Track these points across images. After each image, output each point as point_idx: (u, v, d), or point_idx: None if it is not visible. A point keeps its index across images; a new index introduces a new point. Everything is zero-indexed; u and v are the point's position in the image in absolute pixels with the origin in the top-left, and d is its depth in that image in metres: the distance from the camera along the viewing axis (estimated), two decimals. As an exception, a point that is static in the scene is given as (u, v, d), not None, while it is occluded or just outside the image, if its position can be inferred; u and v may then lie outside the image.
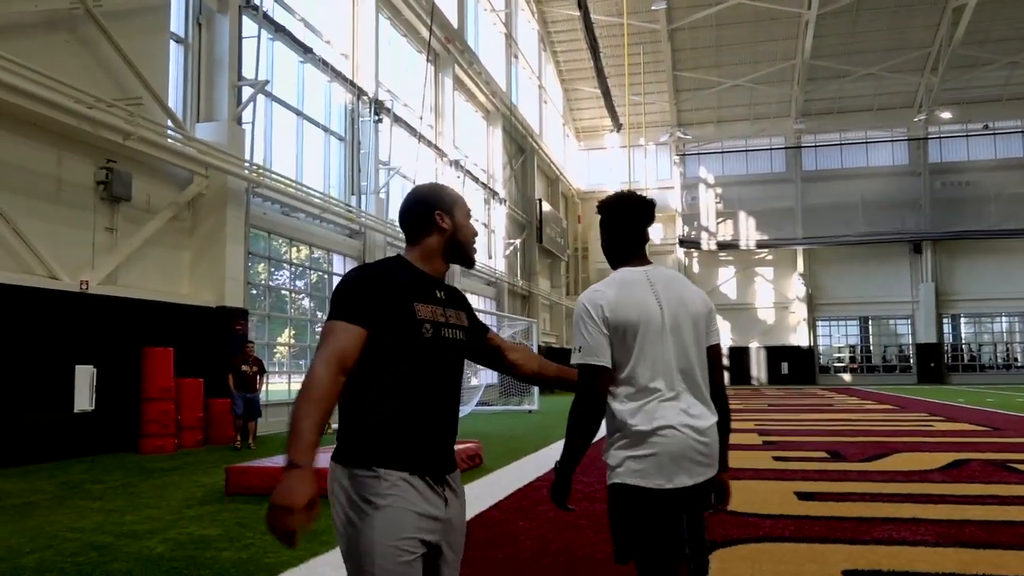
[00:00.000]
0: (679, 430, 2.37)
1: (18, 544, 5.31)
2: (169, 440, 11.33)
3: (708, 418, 2.46)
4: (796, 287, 40.59)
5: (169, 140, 12.48)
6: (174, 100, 13.28)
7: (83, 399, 10.59)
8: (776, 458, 9.61)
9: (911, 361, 39.98)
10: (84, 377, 10.62)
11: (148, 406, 11.22)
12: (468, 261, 2.33)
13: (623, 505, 2.40)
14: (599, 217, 2.69)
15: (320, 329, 1.95)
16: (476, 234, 2.36)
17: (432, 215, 2.23)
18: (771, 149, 41.86)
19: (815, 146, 41.36)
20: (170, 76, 13.15)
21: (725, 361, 40.77)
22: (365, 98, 19.58)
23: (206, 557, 4.87)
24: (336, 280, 18.68)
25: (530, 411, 20.23)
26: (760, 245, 41.07)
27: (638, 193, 2.69)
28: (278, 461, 7.74)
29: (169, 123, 12.55)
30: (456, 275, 25.35)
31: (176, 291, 12.89)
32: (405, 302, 2.11)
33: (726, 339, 41.25)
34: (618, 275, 2.56)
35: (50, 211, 10.65)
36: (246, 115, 14.46)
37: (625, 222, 2.61)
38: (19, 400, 9.65)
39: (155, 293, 12.21)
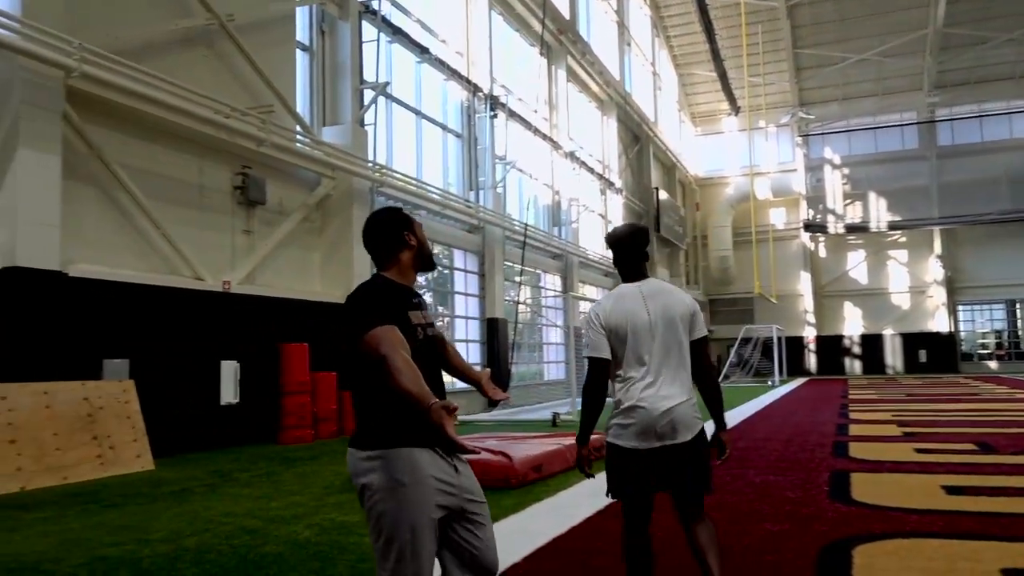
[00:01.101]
0: (652, 408, 3.14)
1: (179, 527, 5.71)
2: (307, 431, 11.87)
3: (678, 398, 3.18)
4: (933, 270, 38.33)
5: (298, 145, 13.05)
6: (302, 106, 13.87)
7: (228, 392, 11.25)
8: (918, 450, 9.15)
9: (1066, 347, 37.10)
10: (229, 372, 11.29)
11: (287, 399, 11.80)
12: (433, 266, 2.83)
13: (611, 456, 3.25)
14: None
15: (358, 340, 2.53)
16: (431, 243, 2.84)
17: (402, 235, 2.68)
18: (902, 125, 39.62)
19: (951, 119, 38.86)
20: (297, 83, 13.75)
21: (856, 349, 39.30)
22: (480, 94, 19.83)
23: (349, 542, 5.09)
24: (457, 275, 18.97)
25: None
26: (892, 227, 38.99)
27: (637, 226, 3.58)
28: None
29: (298, 128, 13.12)
30: (575, 267, 25.37)
31: (308, 289, 13.48)
32: (403, 312, 2.57)
33: (858, 326, 39.58)
34: (617, 290, 3.41)
35: (194, 217, 11.36)
36: (368, 117, 14.94)
37: (622, 251, 3.43)
38: (173, 394, 10.35)
39: (289, 291, 12.81)
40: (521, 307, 20.47)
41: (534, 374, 23.43)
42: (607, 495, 3.31)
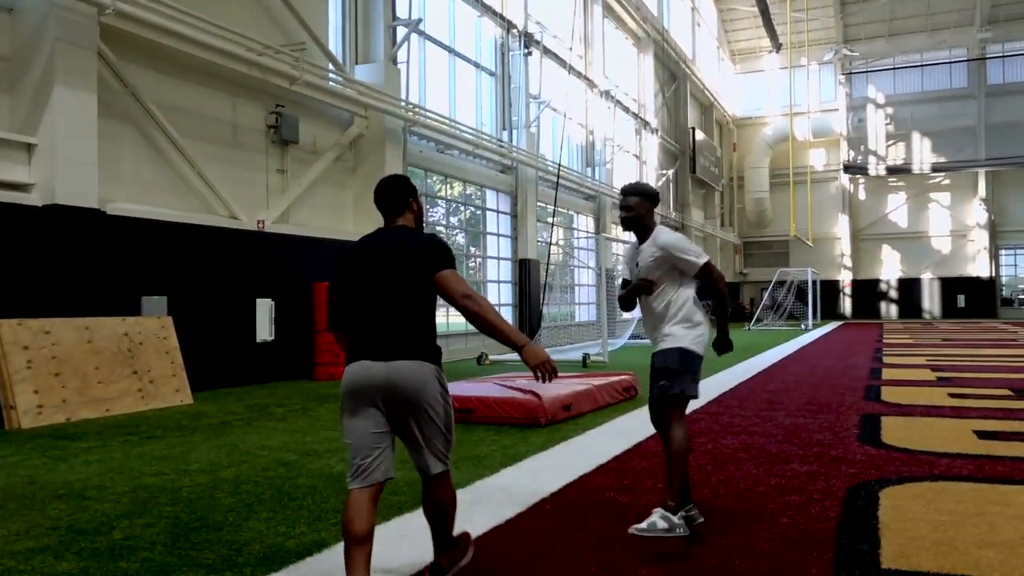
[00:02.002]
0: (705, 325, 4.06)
1: (217, 459, 5.89)
2: (340, 369, 11.97)
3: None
4: (976, 213, 37.44)
5: (331, 83, 12.97)
6: (334, 44, 13.74)
7: (264, 330, 11.45)
8: (952, 395, 9.08)
9: (1112, 293, 36.22)
10: (264, 309, 11.47)
11: (320, 337, 11.98)
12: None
13: (689, 360, 3.94)
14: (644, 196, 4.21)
15: (436, 273, 3.19)
16: None
17: (409, 199, 3.23)
18: (951, 63, 38.28)
19: (1003, 56, 37.43)
20: (329, 20, 13.60)
21: (893, 293, 38.80)
22: (515, 31, 19.49)
23: (381, 476, 5.20)
24: (489, 216, 18.90)
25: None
26: (936, 168, 38.01)
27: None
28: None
29: (330, 66, 13.02)
30: (608, 208, 25.17)
31: (341, 228, 13.56)
32: None
33: (896, 270, 39.06)
34: (665, 227, 4.14)
35: (228, 155, 11.41)
36: (401, 55, 14.77)
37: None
38: (210, 330, 10.56)
39: (323, 230, 12.90)
40: (553, 248, 20.42)
41: (565, 315, 23.50)
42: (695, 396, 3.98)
